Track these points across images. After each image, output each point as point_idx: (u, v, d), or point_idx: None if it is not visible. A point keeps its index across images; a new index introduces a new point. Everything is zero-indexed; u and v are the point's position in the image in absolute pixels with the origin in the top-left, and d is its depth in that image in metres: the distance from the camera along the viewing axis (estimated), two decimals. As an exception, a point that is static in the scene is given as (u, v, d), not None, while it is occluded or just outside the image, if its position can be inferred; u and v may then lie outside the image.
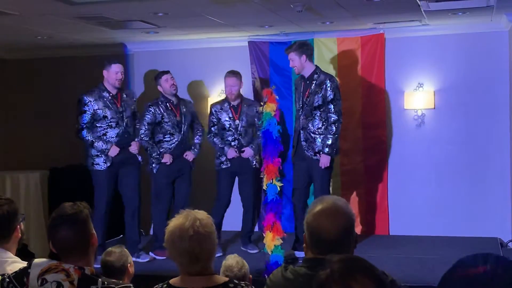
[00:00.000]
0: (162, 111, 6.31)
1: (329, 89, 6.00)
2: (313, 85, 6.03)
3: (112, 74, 6.10)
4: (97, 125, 6.09)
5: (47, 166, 7.89)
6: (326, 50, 7.26)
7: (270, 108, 5.90)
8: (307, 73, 6.10)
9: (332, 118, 6.01)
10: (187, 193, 6.47)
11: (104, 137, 6.09)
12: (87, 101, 6.05)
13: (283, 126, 6.71)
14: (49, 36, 6.91)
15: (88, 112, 6.05)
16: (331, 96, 6.01)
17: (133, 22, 6.22)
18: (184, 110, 6.44)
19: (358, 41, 7.17)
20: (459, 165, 7.01)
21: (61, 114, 8.26)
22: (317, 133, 6.03)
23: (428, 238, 6.91)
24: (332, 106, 6.01)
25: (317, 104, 6.01)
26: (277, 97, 5.97)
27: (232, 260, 3.85)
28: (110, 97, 6.12)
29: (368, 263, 1.65)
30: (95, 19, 5.93)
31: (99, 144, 6.05)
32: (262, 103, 6.09)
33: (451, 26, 6.88)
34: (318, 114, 6.03)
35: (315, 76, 6.06)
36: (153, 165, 6.35)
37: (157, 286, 2.58)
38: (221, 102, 6.52)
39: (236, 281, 2.59)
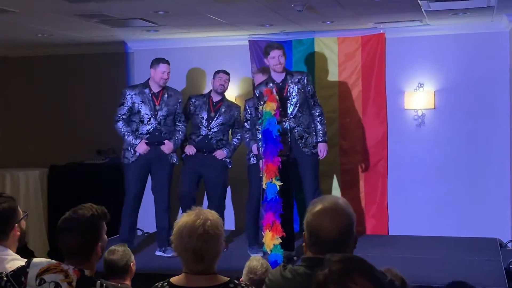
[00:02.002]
0: (198, 104, 6.48)
1: (308, 84, 6.04)
2: (291, 84, 6.01)
3: (159, 73, 6.16)
4: (132, 119, 6.18)
5: (46, 164, 7.90)
6: (326, 49, 7.26)
7: (270, 107, 5.90)
8: (280, 76, 6.06)
9: (318, 110, 6.10)
10: (217, 193, 6.51)
11: (137, 132, 6.15)
12: (126, 94, 6.16)
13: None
14: (49, 34, 6.91)
15: (126, 105, 6.15)
16: (312, 90, 6.10)
17: (133, 20, 6.22)
18: (223, 110, 6.51)
19: (359, 40, 7.16)
20: (459, 165, 7.01)
21: (62, 112, 8.27)
22: (310, 127, 6.07)
23: (427, 238, 6.91)
24: (315, 99, 6.11)
25: (301, 101, 6.03)
26: (277, 96, 5.97)
27: (257, 262, 3.87)
28: (150, 94, 6.18)
29: (367, 263, 1.64)
30: (96, 17, 5.92)
31: (130, 138, 6.12)
32: (262, 102, 6.09)
33: (452, 26, 6.88)
34: (305, 111, 6.06)
35: (289, 76, 6.05)
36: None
37: (157, 284, 2.58)
38: (253, 98, 6.51)
39: (236, 281, 2.59)
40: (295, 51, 7.30)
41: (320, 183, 6.51)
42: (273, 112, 5.88)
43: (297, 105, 6.01)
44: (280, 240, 5.77)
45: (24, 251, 3.44)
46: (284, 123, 6.01)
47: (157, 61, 6.21)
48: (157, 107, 6.18)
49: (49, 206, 7.62)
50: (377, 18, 6.52)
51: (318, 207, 2.38)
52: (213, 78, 6.53)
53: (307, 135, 6.06)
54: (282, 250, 5.75)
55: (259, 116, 6.06)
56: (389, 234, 7.20)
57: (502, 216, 6.82)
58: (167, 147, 6.24)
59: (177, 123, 6.35)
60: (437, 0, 5.40)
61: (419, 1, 5.40)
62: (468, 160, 6.98)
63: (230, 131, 6.69)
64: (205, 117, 6.45)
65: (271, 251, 5.75)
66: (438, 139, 7.08)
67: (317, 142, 6.05)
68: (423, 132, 7.13)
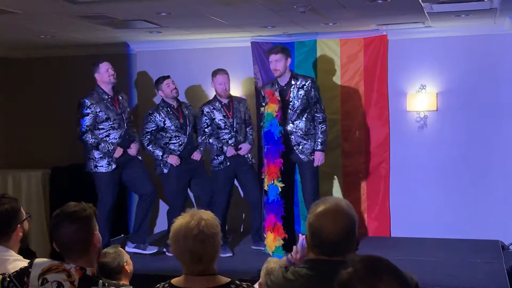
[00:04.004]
0: (164, 115, 6.39)
1: (312, 90, 6.03)
2: (294, 89, 6.01)
3: (104, 73, 6.20)
4: (100, 127, 6.12)
5: (48, 165, 7.90)
6: (328, 51, 7.26)
7: (271, 108, 5.91)
8: (285, 79, 6.05)
9: (321, 117, 6.09)
10: (211, 190, 6.51)
11: (107, 139, 6.10)
12: (89, 104, 6.09)
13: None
14: (52, 35, 6.92)
15: (90, 115, 6.08)
16: (316, 96, 6.08)
17: (136, 22, 6.22)
18: (187, 112, 6.52)
19: (361, 42, 7.16)
20: (461, 167, 7.00)
21: (64, 113, 8.27)
22: (308, 134, 6.06)
23: (430, 240, 6.91)
24: (318, 105, 6.09)
25: (302, 107, 6.02)
26: (278, 98, 5.97)
27: (274, 264, 3.83)
28: (109, 99, 6.17)
29: (392, 264, 1.62)
30: (99, 18, 5.93)
31: (104, 146, 6.07)
32: (264, 104, 6.10)
33: (454, 28, 6.87)
34: (305, 116, 6.04)
35: (293, 80, 6.04)
36: (163, 167, 6.42)
37: (158, 285, 2.58)
38: (211, 102, 6.48)
39: (238, 282, 2.59)
40: (297, 53, 7.30)
41: (322, 185, 6.52)
42: (274, 114, 5.90)
43: (297, 111, 6.00)
44: (282, 242, 5.78)
45: (26, 252, 3.44)
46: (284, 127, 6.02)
47: (96, 63, 6.24)
48: (119, 111, 6.21)
49: (51, 207, 7.60)
50: (380, 20, 6.51)
51: (321, 208, 2.38)
52: (160, 88, 6.44)
53: (304, 142, 6.05)
54: (284, 251, 5.75)
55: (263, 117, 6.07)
56: (391, 236, 7.19)
57: (504, 219, 6.81)
58: (134, 149, 6.28)
59: (130, 124, 6.39)
60: (440, 2, 5.40)
61: (421, 3, 5.39)
62: (470, 162, 6.97)
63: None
64: (178, 126, 6.41)
65: (273, 252, 5.75)
66: (441, 141, 7.07)
67: (315, 150, 6.04)
68: (426, 134, 7.12)
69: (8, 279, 2.57)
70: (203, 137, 6.43)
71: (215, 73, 6.40)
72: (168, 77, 6.49)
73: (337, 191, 7.24)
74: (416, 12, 5.86)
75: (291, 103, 6.00)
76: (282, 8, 5.58)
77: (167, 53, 7.75)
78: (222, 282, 2.52)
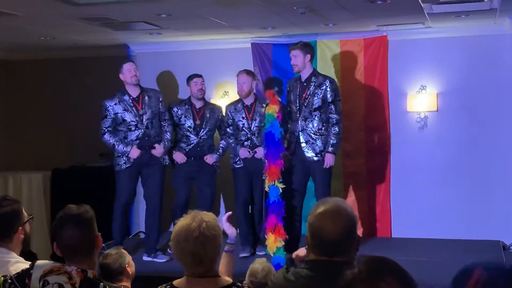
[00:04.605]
0: (182, 112, 6.45)
1: (329, 90, 5.99)
2: (312, 86, 6.01)
3: (127, 73, 6.21)
4: (119, 128, 6.19)
5: (49, 167, 7.91)
6: (329, 52, 7.26)
7: (272, 109, 5.91)
8: (305, 75, 6.06)
9: (335, 119, 6.02)
10: (208, 196, 6.52)
11: (125, 140, 6.16)
12: (107, 106, 6.17)
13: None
14: (52, 37, 6.93)
15: (109, 117, 6.16)
16: (332, 97, 6.02)
17: (136, 24, 6.24)
18: (208, 115, 6.50)
19: (361, 43, 7.16)
20: (462, 168, 7.00)
21: (64, 115, 8.29)
22: (318, 134, 6.03)
23: (431, 240, 6.90)
24: (333, 107, 6.03)
25: (317, 105, 6.00)
26: (279, 98, 5.98)
27: (258, 264, 3.81)
28: (130, 100, 6.20)
29: (397, 265, 1.62)
30: (99, 20, 5.94)
31: (120, 147, 6.13)
32: (264, 105, 6.11)
33: (454, 29, 6.87)
34: (318, 115, 6.01)
35: (313, 78, 6.04)
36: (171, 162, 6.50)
37: (160, 287, 2.58)
38: (235, 103, 6.51)
39: (240, 284, 2.59)
40: (297, 53, 7.30)
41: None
42: (275, 115, 5.90)
43: (311, 108, 5.99)
44: (283, 243, 5.77)
45: (27, 254, 3.44)
46: (296, 124, 6.02)
47: (121, 64, 6.27)
48: (141, 112, 6.20)
49: (52, 209, 7.62)
50: (380, 21, 6.52)
51: (321, 209, 2.39)
52: (188, 84, 6.50)
53: (312, 141, 6.02)
54: (285, 252, 5.75)
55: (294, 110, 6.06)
56: (392, 236, 7.19)
57: (505, 219, 6.81)
58: (158, 151, 6.26)
59: (162, 123, 6.36)
60: (440, 3, 5.40)
61: (421, 4, 5.40)
62: (471, 162, 6.97)
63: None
64: (192, 126, 6.43)
65: (274, 253, 5.75)
66: (441, 141, 7.07)
67: (326, 152, 6.01)
68: (426, 135, 7.12)
69: (9, 280, 2.57)
70: (224, 136, 6.50)
71: (238, 73, 6.46)
72: (199, 76, 6.51)
73: (337, 192, 7.23)
74: (416, 13, 5.86)
75: (306, 100, 6.00)
76: (282, 9, 5.59)
77: (167, 54, 7.76)
78: (224, 284, 2.52)
